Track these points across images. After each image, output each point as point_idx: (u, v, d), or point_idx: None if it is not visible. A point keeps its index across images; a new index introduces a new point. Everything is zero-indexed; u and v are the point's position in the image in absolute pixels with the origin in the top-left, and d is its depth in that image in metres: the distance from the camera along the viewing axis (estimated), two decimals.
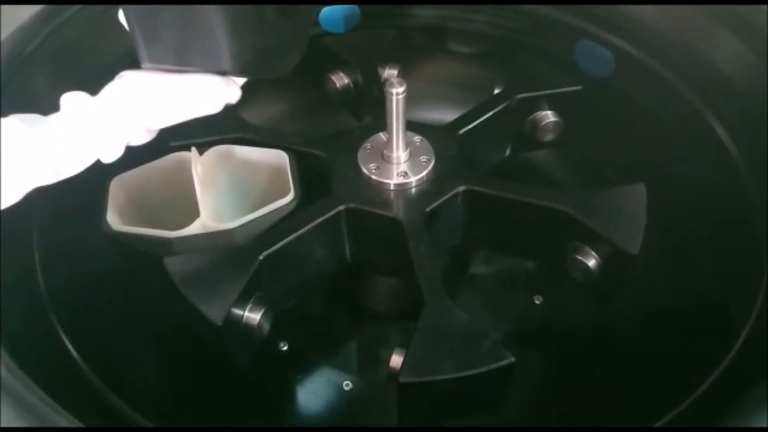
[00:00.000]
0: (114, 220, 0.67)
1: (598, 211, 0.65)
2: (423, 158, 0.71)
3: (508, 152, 0.84)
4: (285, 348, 0.83)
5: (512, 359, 0.55)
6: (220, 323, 0.59)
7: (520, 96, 0.79)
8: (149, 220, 0.73)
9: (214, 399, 0.75)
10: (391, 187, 0.70)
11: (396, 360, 0.57)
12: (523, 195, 0.68)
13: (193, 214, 0.69)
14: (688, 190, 0.80)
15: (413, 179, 0.70)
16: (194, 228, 0.66)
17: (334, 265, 0.73)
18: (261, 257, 0.63)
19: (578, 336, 0.83)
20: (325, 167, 0.72)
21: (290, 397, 0.80)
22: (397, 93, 0.65)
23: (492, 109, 0.78)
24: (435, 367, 0.55)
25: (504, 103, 0.79)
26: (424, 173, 0.70)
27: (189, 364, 0.76)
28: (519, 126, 0.82)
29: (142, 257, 0.68)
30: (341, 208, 0.68)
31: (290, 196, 0.68)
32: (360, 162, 0.71)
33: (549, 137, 0.83)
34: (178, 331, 0.72)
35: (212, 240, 0.66)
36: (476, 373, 0.55)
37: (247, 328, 0.63)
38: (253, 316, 0.63)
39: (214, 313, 0.59)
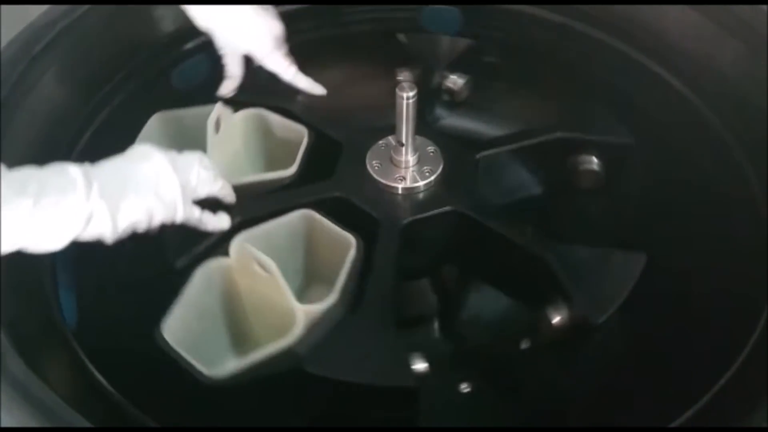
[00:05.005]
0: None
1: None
2: (427, 168, 0.70)
3: (539, 191, 0.79)
4: None
5: None
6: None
7: (560, 134, 0.74)
8: None
9: None
10: (385, 188, 0.70)
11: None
12: (504, 230, 0.65)
13: None
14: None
15: (405, 186, 0.69)
16: None
17: None
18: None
19: None
20: (337, 152, 0.74)
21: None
22: (407, 97, 0.65)
23: (523, 141, 0.74)
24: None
25: (540, 137, 0.75)
26: (420, 183, 0.69)
27: None
28: (555, 166, 0.77)
29: None
30: (333, 194, 0.70)
31: (291, 170, 0.71)
32: (366, 157, 0.72)
33: (586, 185, 0.77)
34: None
35: None
36: None
37: None
38: None
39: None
